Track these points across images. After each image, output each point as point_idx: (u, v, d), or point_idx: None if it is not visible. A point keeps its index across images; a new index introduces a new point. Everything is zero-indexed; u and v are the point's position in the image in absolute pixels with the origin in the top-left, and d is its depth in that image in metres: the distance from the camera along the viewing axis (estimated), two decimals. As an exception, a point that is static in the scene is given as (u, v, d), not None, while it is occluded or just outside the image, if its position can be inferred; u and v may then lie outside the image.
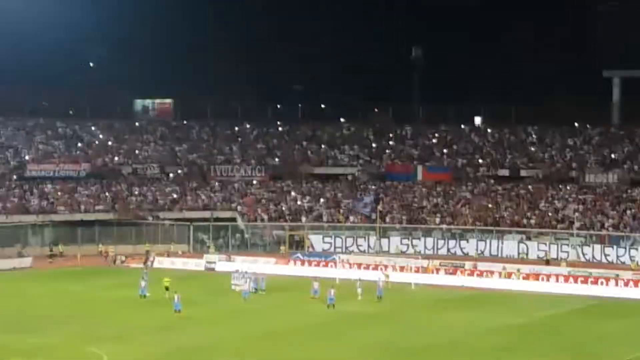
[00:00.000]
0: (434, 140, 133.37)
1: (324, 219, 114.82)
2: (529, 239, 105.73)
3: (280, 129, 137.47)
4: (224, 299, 76.61)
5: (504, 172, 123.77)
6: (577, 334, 63.25)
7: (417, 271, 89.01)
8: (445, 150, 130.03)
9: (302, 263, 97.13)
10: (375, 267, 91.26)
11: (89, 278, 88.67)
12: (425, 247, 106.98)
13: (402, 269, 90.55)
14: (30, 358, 53.16)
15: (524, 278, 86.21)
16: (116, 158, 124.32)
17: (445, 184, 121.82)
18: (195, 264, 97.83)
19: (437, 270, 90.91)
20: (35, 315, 67.57)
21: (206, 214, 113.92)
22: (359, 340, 59.55)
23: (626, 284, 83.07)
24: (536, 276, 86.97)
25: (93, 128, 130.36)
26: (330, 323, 66.17)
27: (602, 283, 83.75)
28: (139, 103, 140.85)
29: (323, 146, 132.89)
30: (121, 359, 52.91)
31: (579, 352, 56.46)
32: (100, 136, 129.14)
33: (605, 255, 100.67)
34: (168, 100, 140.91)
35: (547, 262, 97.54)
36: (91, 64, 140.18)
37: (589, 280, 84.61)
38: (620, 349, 57.32)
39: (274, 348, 57.35)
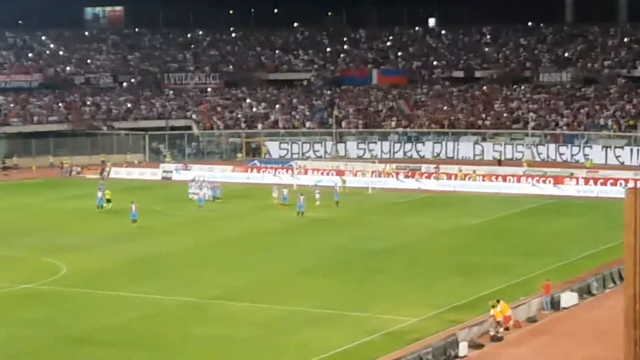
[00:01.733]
0: (388, 44, 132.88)
1: (280, 125, 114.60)
2: (484, 140, 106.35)
3: (233, 35, 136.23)
4: (181, 207, 76.60)
5: (459, 74, 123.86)
6: (532, 232, 64.01)
7: (374, 175, 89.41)
8: (399, 53, 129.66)
9: (259, 170, 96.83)
10: (334, 173, 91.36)
11: (45, 190, 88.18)
12: (382, 151, 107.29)
13: (359, 173, 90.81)
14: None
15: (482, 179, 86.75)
16: (68, 68, 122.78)
17: (401, 87, 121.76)
18: (151, 174, 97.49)
19: (397, 174, 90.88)
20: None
21: (161, 123, 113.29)
22: (317, 244, 60.01)
23: (583, 182, 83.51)
24: (494, 177, 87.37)
25: (43, 38, 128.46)
26: (288, 229, 66.50)
27: (556, 182, 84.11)
28: (89, 11, 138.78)
29: (277, 52, 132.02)
30: (80, 269, 52.91)
31: (534, 250, 57.19)
32: (51, 46, 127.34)
33: (560, 154, 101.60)
34: (119, 8, 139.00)
35: (499, 163, 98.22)
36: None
37: (544, 179, 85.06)
38: (575, 246, 58.13)
39: (232, 253, 57.66)
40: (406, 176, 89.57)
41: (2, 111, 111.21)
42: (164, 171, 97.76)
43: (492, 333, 39.02)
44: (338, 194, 76.98)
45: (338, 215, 71.80)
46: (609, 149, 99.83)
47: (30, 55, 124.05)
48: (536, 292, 44.27)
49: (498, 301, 39.87)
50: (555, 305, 43.27)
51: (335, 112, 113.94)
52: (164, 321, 42.44)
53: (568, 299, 43.78)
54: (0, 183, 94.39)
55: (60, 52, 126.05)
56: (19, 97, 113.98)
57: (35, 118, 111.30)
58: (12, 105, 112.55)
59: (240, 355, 37.78)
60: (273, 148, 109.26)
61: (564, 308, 43.40)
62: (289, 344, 38.96)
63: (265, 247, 59.85)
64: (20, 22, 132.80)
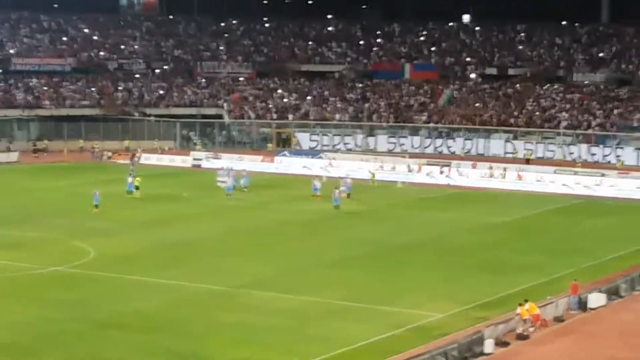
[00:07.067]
0: (422, 38, 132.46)
1: (311, 116, 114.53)
2: (515, 138, 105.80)
3: (267, 25, 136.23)
4: (210, 195, 76.73)
5: (492, 71, 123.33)
6: (561, 232, 63.66)
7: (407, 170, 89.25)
8: (433, 48, 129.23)
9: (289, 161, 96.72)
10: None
11: (75, 174, 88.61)
12: (412, 146, 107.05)
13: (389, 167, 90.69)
14: (17, 251, 53.35)
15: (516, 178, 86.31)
16: (101, 53, 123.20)
17: (433, 82, 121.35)
18: (182, 161, 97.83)
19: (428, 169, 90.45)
20: (22, 210, 67.74)
21: (192, 111, 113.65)
22: (344, 237, 59.85)
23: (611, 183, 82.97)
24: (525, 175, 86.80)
25: (78, 22, 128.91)
26: (315, 220, 66.38)
27: (587, 182, 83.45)
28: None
29: (310, 43, 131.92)
30: (108, 254, 53.13)
31: (563, 249, 56.83)
32: (85, 30, 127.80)
33: (592, 155, 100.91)
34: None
35: (528, 161, 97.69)
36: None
37: (575, 179, 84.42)
38: (604, 246, 57.75)
39: (258, 243, 57.65)
40: (440, 172, 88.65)
41: (35, 94, 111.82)
42: (194, 159, 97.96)
43: (518, 331, 38.82)
44: (349, 185, 76.43)
45: (365, 208, 71.64)
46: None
47: (64, 39, 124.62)
48: (564, 292, 43.98)
49: (526, 301, 39.68)
50: (582, 305, 42.99)
51: (366, 105, 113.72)
52: (189, 308, 42.49)
53: (596, 299, 43.50)
54: (31, 165, 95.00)
55: (94, 37, 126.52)
56: (52, 81, 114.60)
57: (68, 102, 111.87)
58: (45, 88, 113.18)
59: (264, 344, 37.76)
60: (303, 139, 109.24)
61: (592, 309, 43.12)
62: (313, 335, 38.90)
63: (292, 238, 59.85)
64: (55, 6, 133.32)
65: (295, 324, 40.40)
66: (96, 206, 66.87)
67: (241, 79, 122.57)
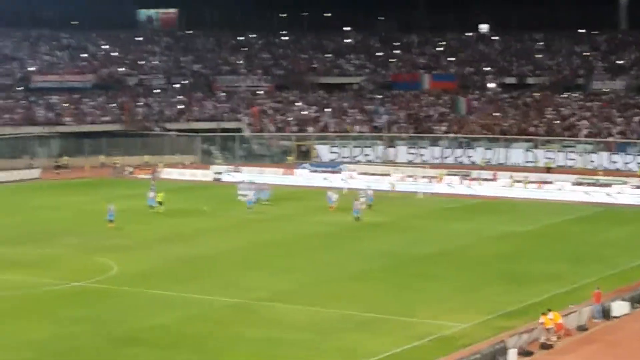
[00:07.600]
0: (440, 49, 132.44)
1: (330, 128, 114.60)
2: (535, 147, 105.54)
3: (285, 38, 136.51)
4: (231, 209, 76.83)
5: (511, 80, 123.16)
6: (583, 240, 63.43)
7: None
8: (451, 59, 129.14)
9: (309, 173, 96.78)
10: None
11: (97, 189, 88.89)
12: (433, 156, 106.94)
13: (409, 177, 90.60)
14: (38, 268, 53.50)
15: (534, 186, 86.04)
16: (121, 69, 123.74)
17: (452, 92, 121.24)
18: (203, 175, 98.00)
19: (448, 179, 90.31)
20: (44, 226, 67.95)
21: (212, 125, 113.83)
22: (365, 248, 59.82)
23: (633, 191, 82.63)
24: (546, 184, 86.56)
25: (97, 39, 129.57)
26: (336, 232, 66.33)
27: (608, 190, 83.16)
28: (142, 13, 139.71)
29: (328, 55, 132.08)
30: (131, 268, 53.21)
31: (585, 258, 56.66)
32: (105, 47, 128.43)
33: (613, 163, 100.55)
34: (172, 10, 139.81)
35: (548, 170, 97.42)
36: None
37: (596, 187, 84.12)
38: (626, 254, 57.52)
39: (279, 256, 57.64)
40: (461, 182, 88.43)
41: (55, 111, 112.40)
42: (215, 173, 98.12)
43: (541, 340, 38.69)
44: (370, 196, 76.52)
45: (386, 219, 71.56)
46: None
47: (84, 56, 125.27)
48: (586, 301, 43.83)
49: (549, 310, 39.55)
50: (606, 314, 42.82)
51: (386, 116, 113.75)
52: (210, 322, 42.50)
53: (619, 308, 43.29)
54: (52, 182, 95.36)
55: (114, 54, 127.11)
56: (72, 97, 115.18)
57: (89, 118, 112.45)
58: (65, 105, 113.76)
59: (286, 358, 37.75)
60: (323, 151, 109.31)
61: (615, 317, 42.93)
62: (336, 348, 38.86)
63: (313, 250, 59.82)
64: (74, 23, 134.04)
65: (317, 336, 40.37)
66: (111, 222, 67.04)
67: (260, 92, 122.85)
